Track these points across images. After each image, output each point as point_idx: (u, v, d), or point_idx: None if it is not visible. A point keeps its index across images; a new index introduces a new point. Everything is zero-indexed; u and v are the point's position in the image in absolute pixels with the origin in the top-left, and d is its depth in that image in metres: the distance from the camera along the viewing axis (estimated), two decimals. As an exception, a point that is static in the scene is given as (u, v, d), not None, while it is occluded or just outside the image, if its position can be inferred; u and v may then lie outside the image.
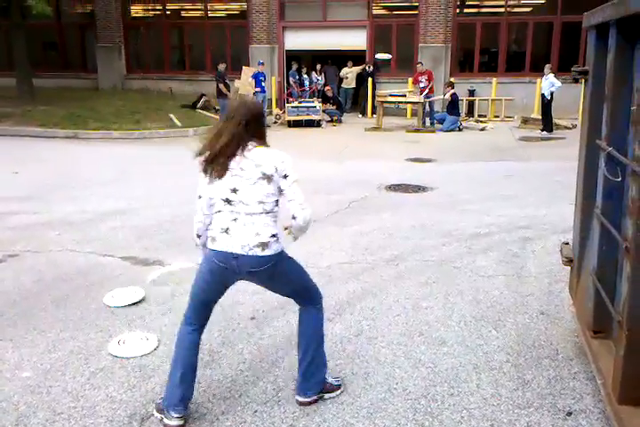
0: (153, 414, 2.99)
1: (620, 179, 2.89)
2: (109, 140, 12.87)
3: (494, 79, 16.44)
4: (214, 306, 3.06)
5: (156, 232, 6.05)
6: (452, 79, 15.85)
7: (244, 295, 4.44)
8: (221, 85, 13.87)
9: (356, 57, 17.97)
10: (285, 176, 2.88)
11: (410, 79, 17.02)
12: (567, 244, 3.96)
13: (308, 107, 15.35)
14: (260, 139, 2.93)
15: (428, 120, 15.35)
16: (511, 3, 17.38)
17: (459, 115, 14.82)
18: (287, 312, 4.15)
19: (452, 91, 14.55)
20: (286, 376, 3.33)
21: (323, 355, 3.14)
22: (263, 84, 15.06)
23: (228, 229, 2.86)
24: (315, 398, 3.09)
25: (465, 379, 3.30)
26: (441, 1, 17.11)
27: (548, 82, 13.46)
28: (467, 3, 17.98)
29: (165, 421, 2.91)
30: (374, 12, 18.08)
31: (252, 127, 2.88)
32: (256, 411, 3.02)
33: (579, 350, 3.59)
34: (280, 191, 2.89)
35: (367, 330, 3.90)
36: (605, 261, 3.09)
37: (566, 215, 5.24)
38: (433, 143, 12.78)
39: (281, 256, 2.93)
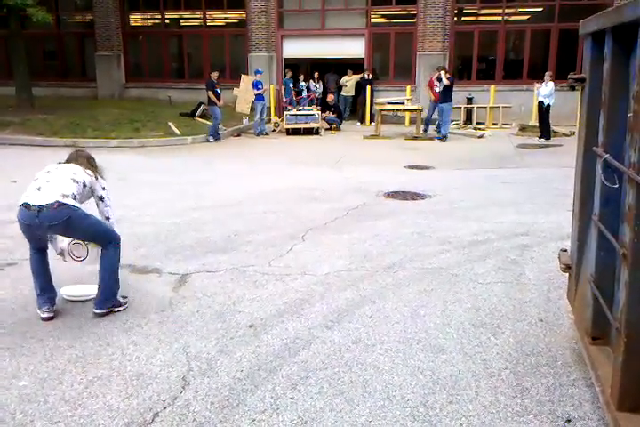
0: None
1: (617, 186, 2.89)
2: (108, 149, 12.85)
3: (492, 87, 16.51)
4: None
5: (154, 240, 6.05)
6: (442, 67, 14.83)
7: (243, 303, 4.44)
8: (209, 93, 13.98)
9: (354, 65, 18.06)
10: (103, 188, 4.21)
11: (409, 87, 17.11)
12: (565, 251, 3.96)
13: (306, 115, 15.38)
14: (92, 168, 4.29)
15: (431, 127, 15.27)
16: (508, 11, 17.47)
17: (451, 100, 14.32)
18: (286, 320, 4.15)
19: (448, 75, 14.17)
20: (285, 384, 3.32)
21: (116, 280, 4.23)
22: (262, 92, 15.13)
23: (40, 187, 3.92)
24: (107, 310, 4.20)
25: (464, 386, 3.29)
26: (439, 9, 17.21)
27: (549, 89, 13.51)
28: (464, 11, 18.10)
29: (40, 314, 4.10)
30: (372, 20, 18.19)
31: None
32: (254, 420, 3.00)
33: (577, 356, 3.58)
34: (100, 199, 4.19)
35: (365, 338, 3.89)
36: (603, 268, 3.09)
37: (564, 222, 5.26)
38: (431, 151, 12.81)
39: (77, 212, 3.88)
